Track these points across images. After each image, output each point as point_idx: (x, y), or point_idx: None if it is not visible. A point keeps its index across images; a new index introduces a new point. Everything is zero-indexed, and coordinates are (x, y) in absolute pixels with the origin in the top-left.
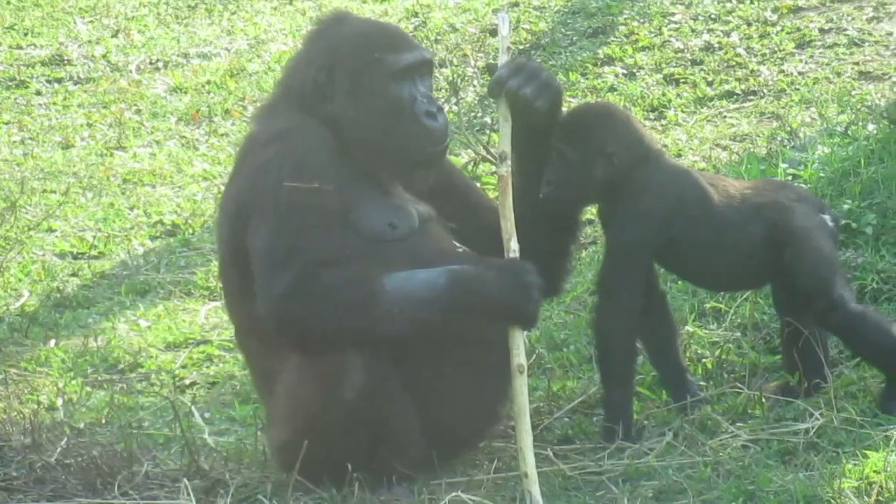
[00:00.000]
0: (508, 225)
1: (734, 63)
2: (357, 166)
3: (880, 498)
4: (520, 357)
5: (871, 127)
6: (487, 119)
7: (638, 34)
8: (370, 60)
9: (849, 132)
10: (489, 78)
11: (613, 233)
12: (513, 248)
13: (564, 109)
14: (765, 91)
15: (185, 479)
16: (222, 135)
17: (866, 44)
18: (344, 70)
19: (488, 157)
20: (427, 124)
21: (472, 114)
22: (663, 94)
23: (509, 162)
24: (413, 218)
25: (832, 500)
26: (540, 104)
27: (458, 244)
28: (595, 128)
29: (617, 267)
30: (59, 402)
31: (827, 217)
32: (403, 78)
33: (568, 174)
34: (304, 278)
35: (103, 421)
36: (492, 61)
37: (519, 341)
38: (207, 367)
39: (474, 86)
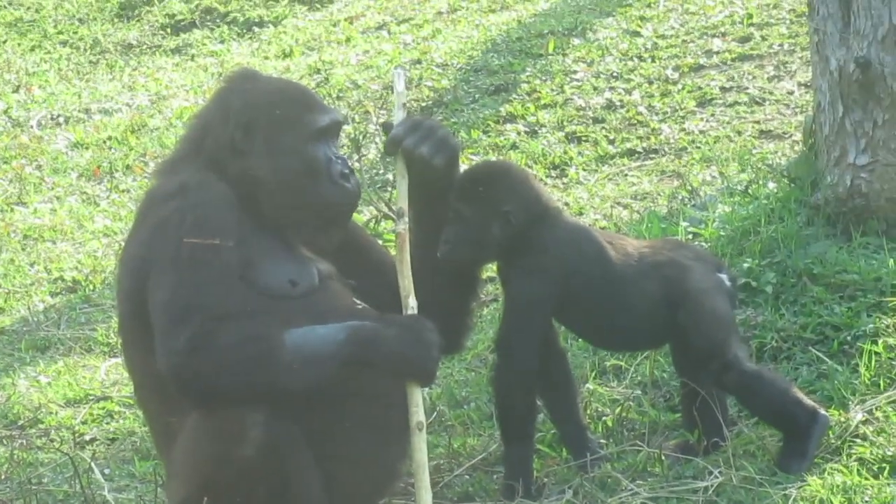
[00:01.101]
0: (406, 282)
1: (636, 121)
2: (261, 223)
3: None
4: (419, 414)
5: (771, 185)
6: (389, 176)
7: (540, 92)
8: (288, 120)
9: (749, 191)
10: (387, 136)
11: (512, 291)
12: (411, 305)
13: (463, 167)
14: (666, 149)
15: None
16: (123, 191)
17: (767, 102)
18: (261, 128)
19: (389, 214)
20: (343, 185)
21: (374, 171)
22: (565, 152)
23: (406, 219)
24: (313, 275)
25: None
26: (437, 162)
27: (358, 301)
28: (492, 187)
29: (516, 325)
30: None
31: (724, 276)
32: (319, 139)
33: (465, 233)
34: (202, 334)
35: (3, 477)
36: (391, 118)
37: (418, 398)
38: (107, 424)
39: (376, 143)
